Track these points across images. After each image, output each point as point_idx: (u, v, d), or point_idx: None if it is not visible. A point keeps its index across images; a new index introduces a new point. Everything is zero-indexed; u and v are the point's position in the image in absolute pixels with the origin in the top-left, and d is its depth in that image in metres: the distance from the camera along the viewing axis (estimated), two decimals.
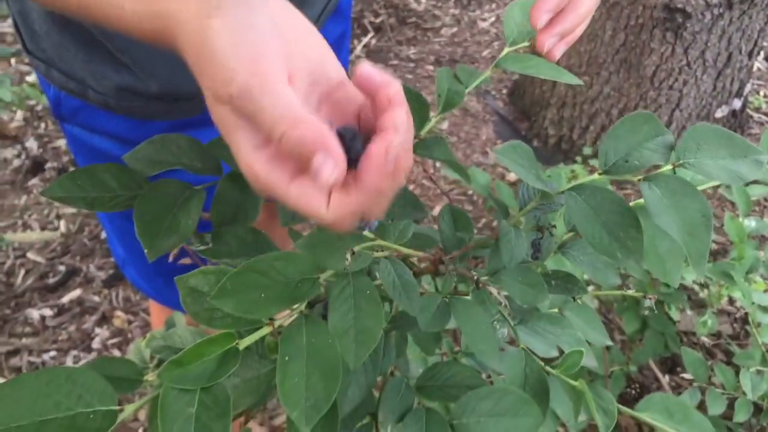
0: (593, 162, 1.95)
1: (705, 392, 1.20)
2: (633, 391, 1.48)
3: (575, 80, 0.54)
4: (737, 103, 1.93)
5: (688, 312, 1.64)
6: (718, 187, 1.87)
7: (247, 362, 0.46)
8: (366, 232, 0.44)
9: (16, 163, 2.11)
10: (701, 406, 1.26)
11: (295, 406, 0.39)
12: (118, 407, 0.36)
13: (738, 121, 1.99)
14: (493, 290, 0.46)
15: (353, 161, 0.35)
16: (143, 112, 0.66)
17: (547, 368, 0.50)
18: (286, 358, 0.40)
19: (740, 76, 1.85)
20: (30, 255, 1.85)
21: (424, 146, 0.55)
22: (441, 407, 0.46)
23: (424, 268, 0.48)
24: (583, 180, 0.47)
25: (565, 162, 1.98)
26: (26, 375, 0.35)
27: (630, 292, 0.87)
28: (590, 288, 1.60)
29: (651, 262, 0.54)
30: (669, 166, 0.46)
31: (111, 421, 0.35)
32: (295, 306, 0.42)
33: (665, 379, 1.50)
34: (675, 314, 1.49)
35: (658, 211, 0.44)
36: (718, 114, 1.92)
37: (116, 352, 1.64)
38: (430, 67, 2.50)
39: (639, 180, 0.45)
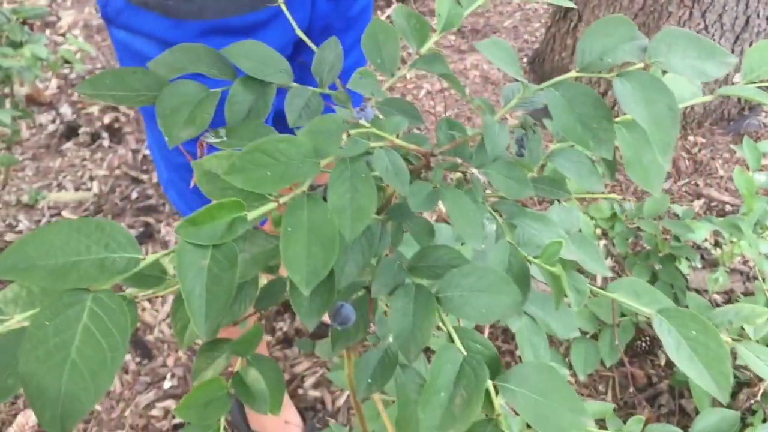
0: None
1: None
2: (643, 344, 1.51)
3: None
4: None
5: (700, 269, 1.66)
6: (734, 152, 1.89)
7: (255, 240, 0.51)
8: (362, 121, 0.49)
9: (51, 128, 2.19)
10: None
11: (297, 270, 0.44)
12: (141, 255, 0.42)
13: None
14: (480, 176, 0.50)
15: None
16: (177, 11, 0.74)
17: (529, 258, 0.55)
18: (289, 229, 0.45)
19: (758, 40, 1.85)
20: (65, 213, 1.94)
21: (424, 61, 0.60)
22: (429, 284, 0.50)
23: (417, 166, 0.53)
24: (561, 78, 0.51)
25: None
26: (60, 222, 0.40)
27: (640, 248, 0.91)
28: (602, 243, 1.64)
29: (635, 171, 0.58)
30: (641, 65, 0.50)
31: (134, 265, 0.41)
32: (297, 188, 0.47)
33: None
34: (685, 269, 1.53)
35: (629, 104, 0.48)
36: (736, 79, 1.92)
37: (146, 304, 1.72)
38: (452, 37, 2.53)
39: (612, 76, 0.49)
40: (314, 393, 1.55)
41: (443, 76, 0.58)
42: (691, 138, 1.98)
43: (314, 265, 0.44)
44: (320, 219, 0.46)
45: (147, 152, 2.09)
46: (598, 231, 1.55)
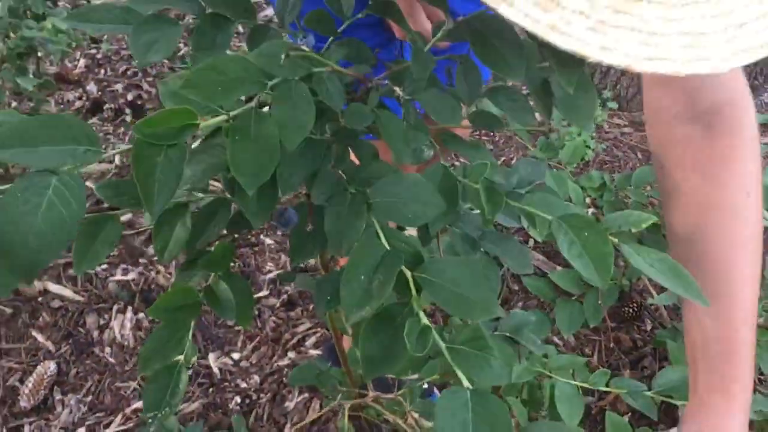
0: (611, 104, 2.02)
1: None
2: (630, 310, 1.56)
3: None
4: None
5: None
6: None
7: (211, 151, 0.59)
8: (304, 47, 0.56)
9: (78, 104, 2.31)
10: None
11: (242, 173, 0.52)
12: (102, 150, 0.50)
13: (759, 67, 2.02)
14: (406, 97, 0.57)
15: None
16: None
17: (460, 178, 0.62)
18: (237, 138, 0.53)
19: None
20: (88, 183, 2.04)
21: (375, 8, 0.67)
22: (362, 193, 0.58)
23: (360, 94, 0.60)
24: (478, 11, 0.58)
25: None
26: (41, 117, 0.48)
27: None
28: (591, 211, 1.69)
29: (565, 109, 0.65)
30: None
31: (95, 156, 0.49)
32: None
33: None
34: None
35: None
36: None
37: (161, 268, 1.81)
38: None
39: None
40: (315, 352, 1.63)
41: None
42: None
43: (257, 169, 0.52)
44: (264, 131, 0.53)
45: None
46: (588, 200, 1.60)
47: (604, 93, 2.02)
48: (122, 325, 1.69)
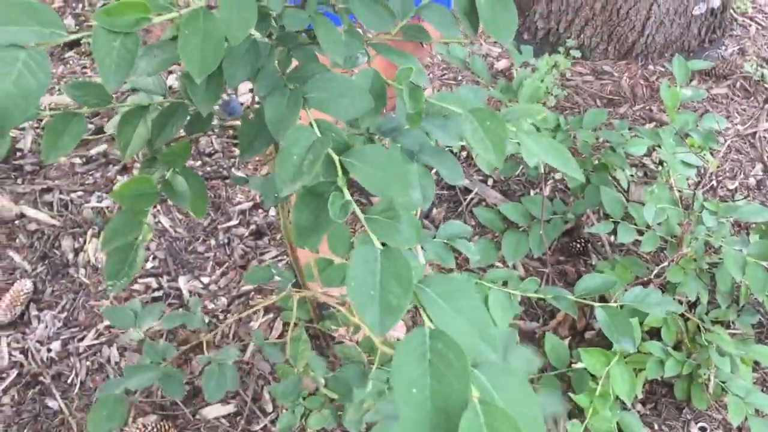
0: (574, 53, 2.09)
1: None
2: (578, 245, 1.66)
3: None
4: (716, 2, 2.04)
5: (642, 184, 1.80)
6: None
7: (165, 48, 0.66)
8: None
9: None
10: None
11: (192, 64, 0.59)
12: (64, 32, 0.57)
13: (717, 21, 2.10)
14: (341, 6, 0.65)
15: None
16: None
17: (389, 81, 0.69)
18: (186, 32, 0.60)
19: None
20: None
21: None
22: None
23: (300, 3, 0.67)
24: None
25: (550, 53, 2.12)
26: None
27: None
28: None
29: (489, 26, 0.72)
30: None
31: (58, 37, 0.56)
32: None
33: (606, 237, 1.68)
34: (624, 181, 1.67)
35: None
36: (696, 11, 2.03)
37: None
38: None
39: None
40: None
41: None
42: (651, 67, 2.10)
43: (205, 60, 0.59)
44: (212, 27, 0.60)
45: None
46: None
47: (568, 42, 2.09)
48: (96, 248, 1.76)
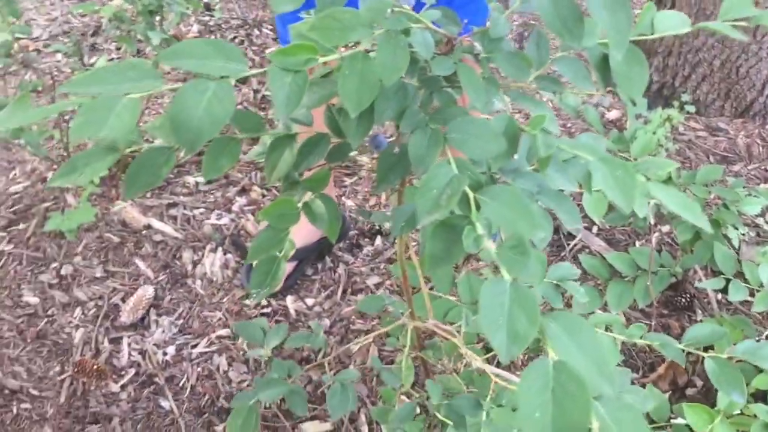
0: (688, 107, 2.08)
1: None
2: (683, 300, 1.64)
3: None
4: None
5: (754, 244, 1.77)
6: None
7: (323, 85, 0.74)
8: (405, 7, 0.70)
9: None
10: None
11: (349, 100, 0.66)
12: (246, 68, 0.65)
13: None
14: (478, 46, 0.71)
15: None
16: None
17: (522, 127, 0.74)
18: (347, 73, 0.67)
19: None
20: None
21: None
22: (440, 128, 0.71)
23: (444, 49, 0.74)
24: None
25: (663, 107, 2.12)
26: (198, 40, 0.64)
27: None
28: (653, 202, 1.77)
29: (622, 82, 0.76)
30: None
31: (241, 71, 0.64)
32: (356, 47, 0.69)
33: (713, 294, 1.66)
34: (735, 240, 1.64)
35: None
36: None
37: (250, 216, 2.00)
38: None
39: None
40: None
41: None
42: None
43: (360, 98, 0.66)
44: (368, 69, 0.67)
45: (266, 92, 2.38)
46: None
47: (683, 96, 2.09)
48: (213, 262, 1.88)
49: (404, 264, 1.19)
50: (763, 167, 1.97)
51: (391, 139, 0.88)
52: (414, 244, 1.67)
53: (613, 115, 2.18)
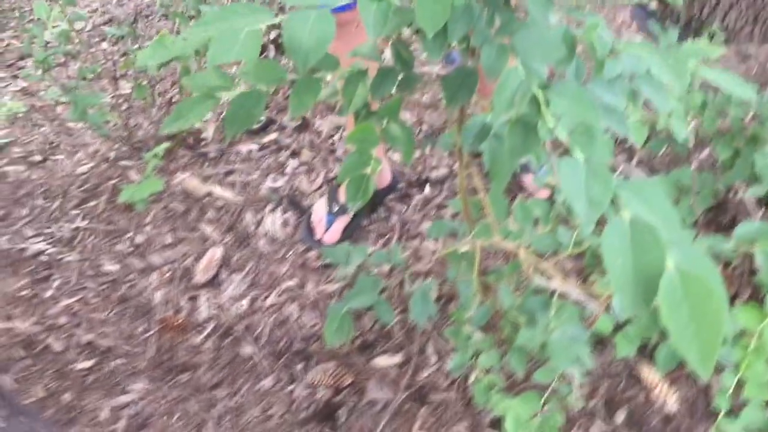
0: (718, 37, 2.14)
1: None
2: (726, 219, 1.72)
3: None
4: None
5: None
6: None
7: (401, 13, 0.83)
8: None
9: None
10: None
11: (425, 21, 0.75)
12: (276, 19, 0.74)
13: None
14: None
15: None
16: None
17: (577, 33, 0.83)
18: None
19: None
20: None
21: None
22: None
23: None
24: None
25: (693, 39, 2.18)
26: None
27: None
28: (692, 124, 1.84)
29: None
30: None
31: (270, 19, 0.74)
32: None
33: (755, 210, 1.72)
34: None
35: None
36: None
37: (303, 177, 2.11)
38: None
39: None
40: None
41: None
42: None
43: (435, 17, 0.76)
44: None
45: None
46: (689, 117, 1.76)
47: (714, 25, 2.14)
48: (273, 221, 1.99)
49: (465, 191, 1.28)
50: None
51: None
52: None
53: None
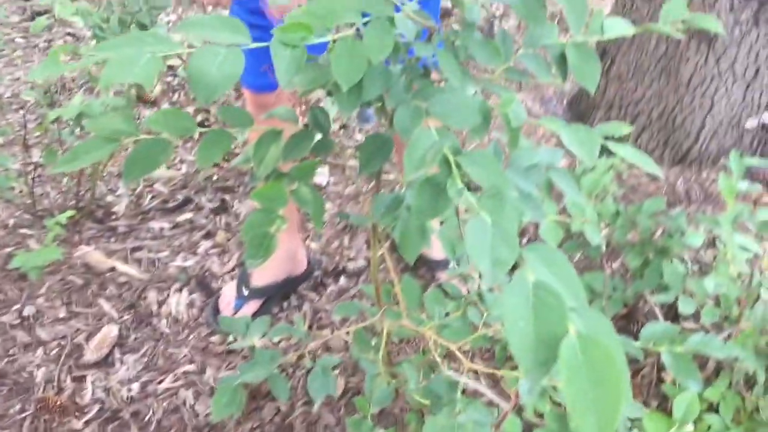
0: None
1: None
2: (635, 328, 1.73)
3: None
4: (767, 117, 2.18)
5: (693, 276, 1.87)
6: None
7: (315, 68, 0.81)
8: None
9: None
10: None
11: (340, 75, 0.74)
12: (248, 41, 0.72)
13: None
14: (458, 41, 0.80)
15: None
16: None
17: (492, 106, 0.83)
18: (338, 53, 0.75)
19: (767, 90, 2.11)
20: (156, 186, 2.30)
21: None
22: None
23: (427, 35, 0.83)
24: None
25: (607, 156, 2.27)
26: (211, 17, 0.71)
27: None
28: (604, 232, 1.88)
29: (579, 75, 0.86)
30: None
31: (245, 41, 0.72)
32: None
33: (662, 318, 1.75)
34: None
35: None
36: (748, 125, 2.17)
37: (215, 259, 2.03)
38: None
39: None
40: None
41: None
42: (704, 174, 2.22)
43: (350, 73, 0.74)
44: (358, 48, 0.76)
45: None
46: (602, 224, 1.80)
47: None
48: (178, 302, 1.89)
49: (377, 267, 1.24)
50: (702, 209, 2.11)
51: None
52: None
53: (563, 162, 2.31)
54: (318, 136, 0.96)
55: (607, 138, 0.84)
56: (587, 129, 0.75)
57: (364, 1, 0.77)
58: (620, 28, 0.93)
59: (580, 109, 2.45)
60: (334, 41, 0.77)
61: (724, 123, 2.16)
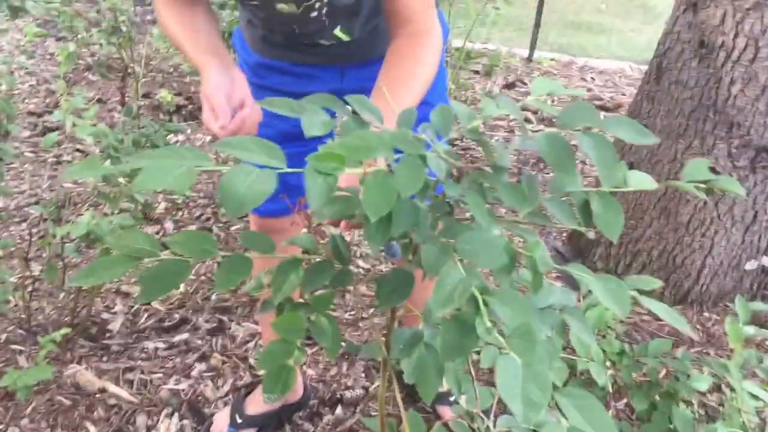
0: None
1: None
2: None
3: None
4: (766, 260, 2.21)
5: (700, 422, 1.83)
6: None
7: (342, 201, 0.82)
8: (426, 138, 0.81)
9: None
10: None
11: (370, 208, 0.75)
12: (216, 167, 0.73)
13: None
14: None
15: None
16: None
17: (516, 248, 0.84)
18: (370, 185, 0.77)
19: (766, 233, 2.15)
20: (153, 304, 2.27)
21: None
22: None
23: (457, 175, 0.85)
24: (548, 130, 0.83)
25: None
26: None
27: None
28: (610, 372, 1.84)
29: (602, 223, 0.88)
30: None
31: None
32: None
33: None
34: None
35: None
36: (748, 267, 2.19)
37: (209, 383, 1.97)
38: None
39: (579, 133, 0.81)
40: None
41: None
42: (706, 314, 2.22)
43: (380, 206, 0.75)
44: (388, 183, 0.77)
45: None
46: (608, 363, 1.77)
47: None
48: (168, 428, 1.82)
49: (383, 406, 1.20)
50: (704, 350, 2.09)
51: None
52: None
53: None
54: (337, 266, 0.96)
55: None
56: (618, 282, 0.75)
57: (398, 138, 0.79)
58: (645, 182, 0.95)
59: (580, 245, 2.48)
60: (366, 174, 0.78)
61: (724, 264, 2.18)
